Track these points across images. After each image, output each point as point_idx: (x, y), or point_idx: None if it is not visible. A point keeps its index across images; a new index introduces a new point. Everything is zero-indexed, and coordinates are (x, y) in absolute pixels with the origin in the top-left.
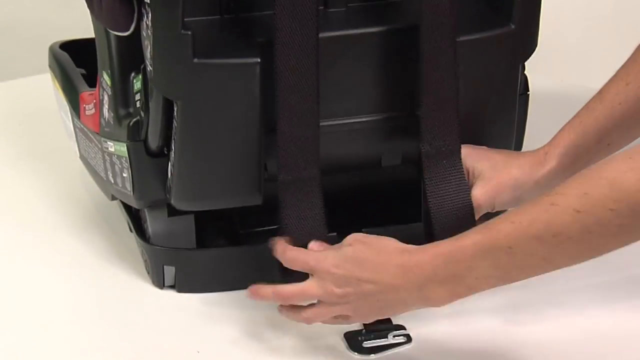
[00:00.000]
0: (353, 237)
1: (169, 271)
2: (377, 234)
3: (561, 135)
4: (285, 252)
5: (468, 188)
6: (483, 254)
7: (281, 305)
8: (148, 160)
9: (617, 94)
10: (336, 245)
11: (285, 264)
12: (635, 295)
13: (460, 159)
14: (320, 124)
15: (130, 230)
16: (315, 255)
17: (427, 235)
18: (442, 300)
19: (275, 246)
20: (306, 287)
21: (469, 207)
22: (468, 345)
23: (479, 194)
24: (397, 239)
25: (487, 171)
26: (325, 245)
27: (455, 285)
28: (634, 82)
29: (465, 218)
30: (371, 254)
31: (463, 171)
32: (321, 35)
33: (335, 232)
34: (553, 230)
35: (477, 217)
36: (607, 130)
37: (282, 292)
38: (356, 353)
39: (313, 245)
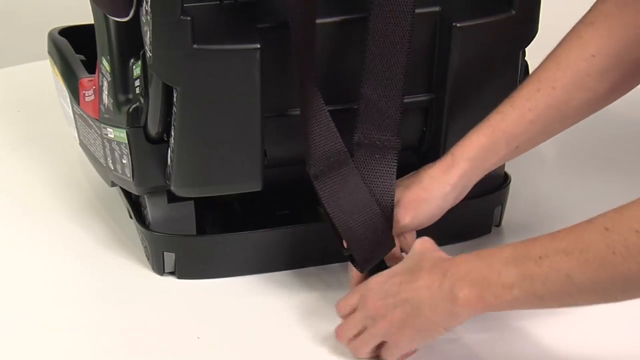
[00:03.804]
0: (418, 247)
1: (169, 257)
2: None
3: (470, 138)
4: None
5: (394, 188)
6: (515, 261)
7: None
8: (148, 146)
9: (527, 100)
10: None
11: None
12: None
13: (396, 157)
14: (327, 109)
15: (130, 217)
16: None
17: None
18: (469, 304)
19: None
20: (348, 297)
21: (390, 208)
22: (468, 331)
23: (399, 213)
24: None
25: (403, 194)
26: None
27: (483, 290)
28: (544, 89)
29: (383, 217)
30: (412, 262)
31: (394, 170)
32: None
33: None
34: (580, 246)
35: (402, 234)
36: (516, 134)
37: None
38: None
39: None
